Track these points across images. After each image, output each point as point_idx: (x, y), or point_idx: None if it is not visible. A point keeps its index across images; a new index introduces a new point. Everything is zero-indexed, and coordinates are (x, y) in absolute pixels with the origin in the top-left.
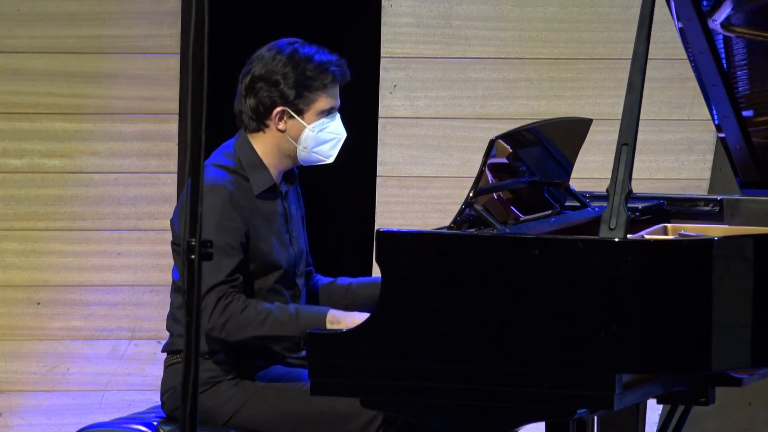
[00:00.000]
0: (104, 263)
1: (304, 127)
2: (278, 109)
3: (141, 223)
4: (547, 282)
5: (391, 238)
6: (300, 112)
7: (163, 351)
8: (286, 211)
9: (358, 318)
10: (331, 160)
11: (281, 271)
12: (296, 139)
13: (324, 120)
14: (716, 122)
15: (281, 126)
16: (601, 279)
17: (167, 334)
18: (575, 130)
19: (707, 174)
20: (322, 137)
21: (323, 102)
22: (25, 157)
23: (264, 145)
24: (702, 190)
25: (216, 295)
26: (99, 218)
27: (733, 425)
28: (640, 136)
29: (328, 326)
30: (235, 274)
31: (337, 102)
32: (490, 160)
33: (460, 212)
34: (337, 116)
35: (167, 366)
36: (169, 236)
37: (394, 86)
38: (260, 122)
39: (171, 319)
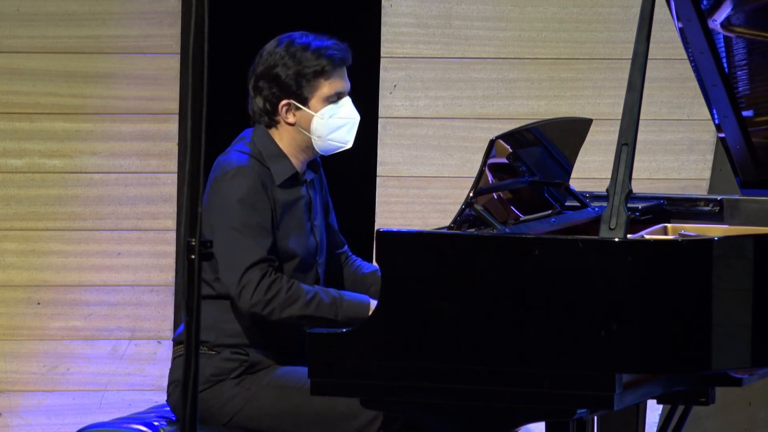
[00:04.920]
0: (104, 263)
1: (312, 115)
2: (283, 102)
3: (141, 223)
4: (547, 282)
5: (391, 238)
6: (305, 102)
7: (173, 340)
8: (310, 200)
9: None
10: (349, 146)
11: (297, 260)
12: (308, 129)
13: (331, 106)
14: (716, 122)
15: (290, 119)
16: (601, 279)
17: (167, 334)
18: (575, 130)
19: (707, 174)
20: (334, 123)
21: (326, 88)
22: (25, 157)
23: (281, 140)
24: (702, 190)
25: (260, 271)
26: (99, 218)
27: (733, 425)
28: (640, 136)
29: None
30: (272, 253)
31: (344, 86)
32: (490, 160)
33: (460, 212)
34: (347, 100)
35: (175, 357)
36: (168, 236)
37: (394, 86)
38: (271, 119)
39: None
